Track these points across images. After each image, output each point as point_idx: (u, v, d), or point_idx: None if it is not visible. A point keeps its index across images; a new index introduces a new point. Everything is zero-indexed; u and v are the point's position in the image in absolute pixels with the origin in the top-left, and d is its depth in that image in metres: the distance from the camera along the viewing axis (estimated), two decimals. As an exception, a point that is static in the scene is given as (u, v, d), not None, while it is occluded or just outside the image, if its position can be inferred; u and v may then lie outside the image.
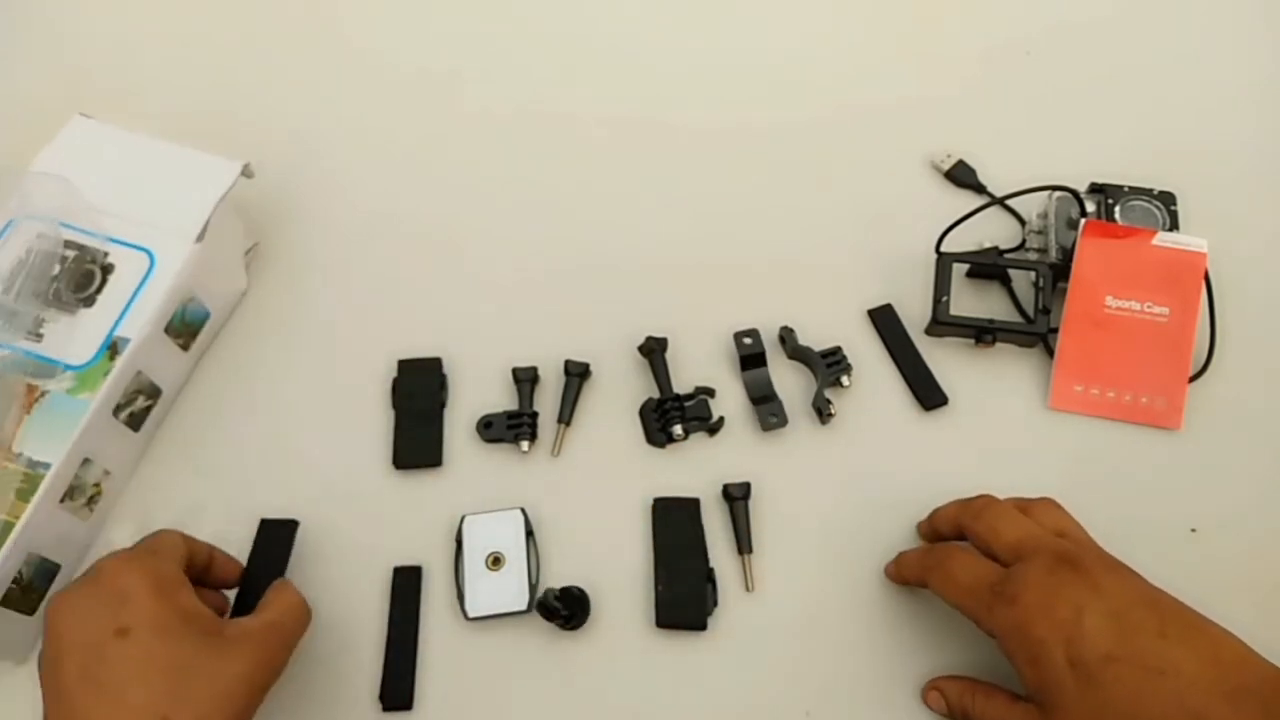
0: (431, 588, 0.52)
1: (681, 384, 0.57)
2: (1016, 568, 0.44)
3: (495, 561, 0.52)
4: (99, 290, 0.52)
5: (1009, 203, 0.62)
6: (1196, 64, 0.70)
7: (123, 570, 0.41)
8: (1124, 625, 0.41)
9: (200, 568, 0.46)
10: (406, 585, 0.52)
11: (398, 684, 0.49)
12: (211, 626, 0.41)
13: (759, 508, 0.54)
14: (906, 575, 0.50)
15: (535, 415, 0.56)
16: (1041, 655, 0.41)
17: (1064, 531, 0.47)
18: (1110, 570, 0.44)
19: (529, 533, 0.53)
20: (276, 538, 0.51)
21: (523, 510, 0.53)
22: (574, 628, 0.51)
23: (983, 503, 0.48)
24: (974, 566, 0.46)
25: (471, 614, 0.50)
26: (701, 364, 0.58)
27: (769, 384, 0.57)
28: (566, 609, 0.49)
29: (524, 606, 0.51)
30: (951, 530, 0.50)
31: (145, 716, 0.38)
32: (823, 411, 0.55)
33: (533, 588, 0.51)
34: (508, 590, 0.51)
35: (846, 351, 0.58)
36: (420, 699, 0.50)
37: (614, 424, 0.57)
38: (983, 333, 0.57)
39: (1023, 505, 0.48)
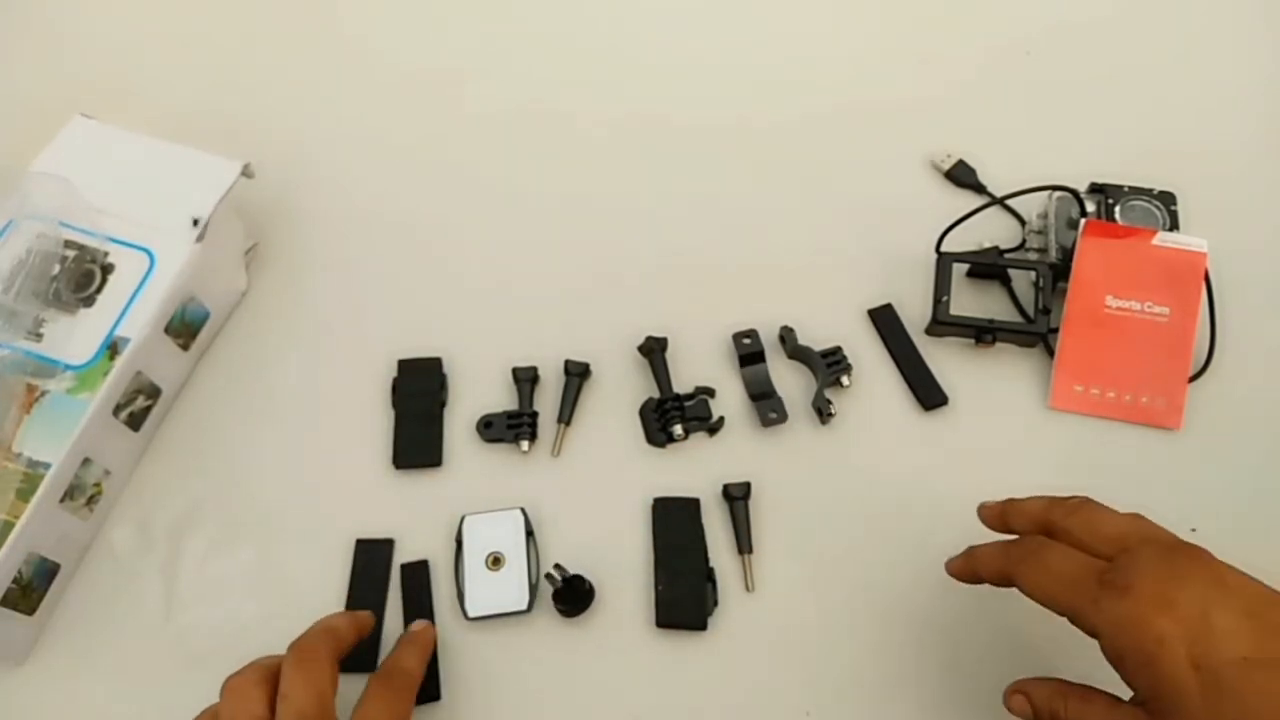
0: (433, 587, 0.52)
1: (681, 384, 0.57)
2: (1126, 555, 0.38)
3: (495, 562, 0.52)
4: (99, 290, 0.52)
5: (1009, 203, 0.62)
6: (1196, 64, 0.70)
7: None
8: (1264, 625, 0.35)
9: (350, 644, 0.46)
10: (416, 580, 0.52)
11: (425, 677, 0.49)
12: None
13: (759, 508, 0.54)
14: (982, 570, 0.44)
15: (535, 415, 0.56)
16: (1160, 654, 0.35)
17: (1168, 533, 0.41)
18: (1232, 568, 0.38)
19: (529, 533, 0.53)
20: (375, 558, 0.52)
21: (523, 510, 0.53)
22: (574, 613, 0.51)
23: (1080, 499, 0.43)
24: (1075, 556, 0.40)
25: (472, 614, 0.51)
26: (701, 364, 0.58)
27: (768, 380, 0.57)
28: (566, 602, 0.49)
29: (524, 606, 0.51)
30: (1034, 526, 0.44)
31: None
32: (823, 411, 0.56)
33: (533, 588, 0.51)
34: (508, 590, 0.51)
35: (846, 351, 0.58)
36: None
37: (614, 424, 0.57)
38: (983, 333, 0.57)
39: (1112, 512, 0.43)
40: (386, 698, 0.43)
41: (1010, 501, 0.46)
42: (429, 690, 0.49)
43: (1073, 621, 0.39)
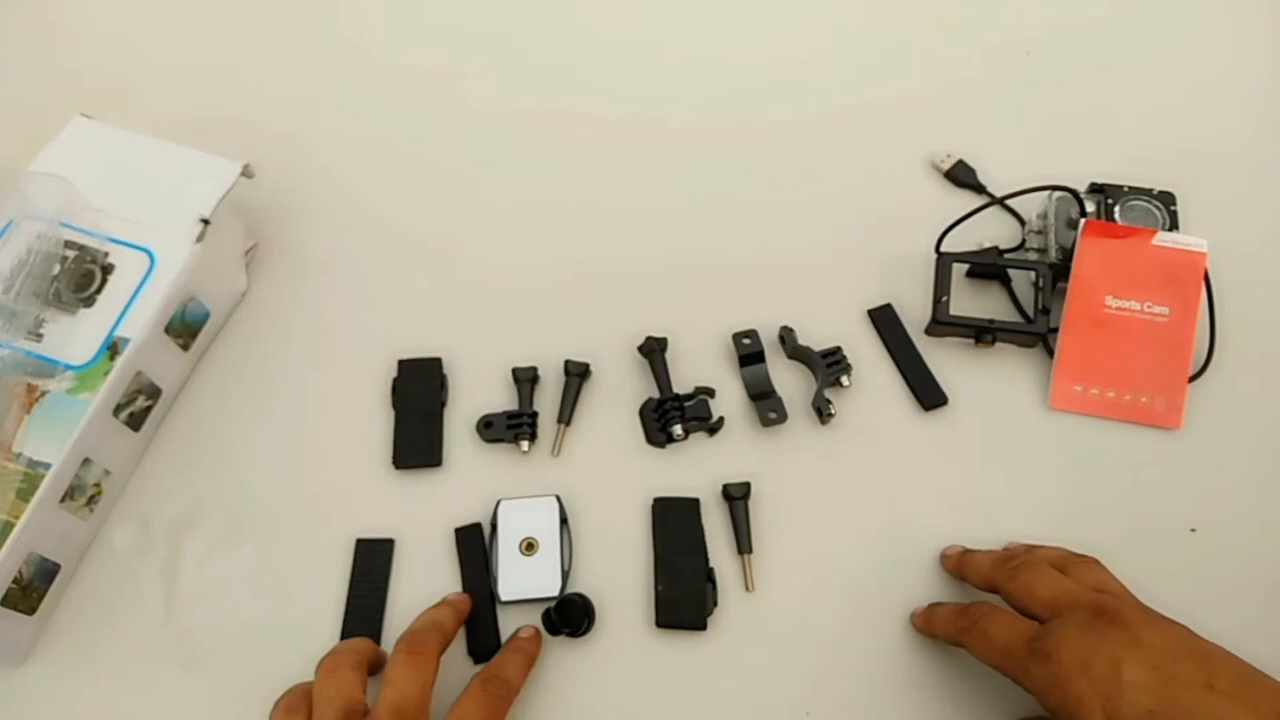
0: (436, 582, 0.52)
1: (681, 384, 0.57)
2: (1052, 623, 0.42)
3: (529, 547, 0.52)
4: (99, 290, 0.52)
5: (1009, 203, 0.62)
6: (1196, 64, 0.70)
7: None
8: (1167, 678, 0.39)
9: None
10: (472, 542, 0.53)
11: (484, 637, 0.51)
12: None
13: (759, 508, 0.54)
14: (939, 632, 0.49)
15: (535, 415, 0.56)
16: (1080, 713, 0.39)
17: (1103, 588, 0.45)
18: (1151, 623, 0.41)
19: (563, 520, 0.53)
20: (375, 558, 0.52)
21: (557, 498, 0.53)
22: (582, 635, 0.51)
23: (1019, 561, 0.47)
24: (1010, 625, 0.44)
25: (504, 597, 0.51)
26: (701, 364, 0.58)
27: (768, 380, 0.57)
28: (567, 624, 0.49)
29: (556, 592, 0.51)
30: (983, 584, 0.48)
31: None
32: (823, 411, 0.56)
33: (565, 574, 0.52)
34: (541, 576, 0.52)
35: (846, 351, 0.58)
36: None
37: (614, 424, 0.57)
38: (983, 333, 0.57)
39: (1061, 563, 0.46)
40: (483, 702, 0.45)
41: (966, 553, 0.51)
42: (490, 649, 0.50)
43: (1015, 682, 0.43)
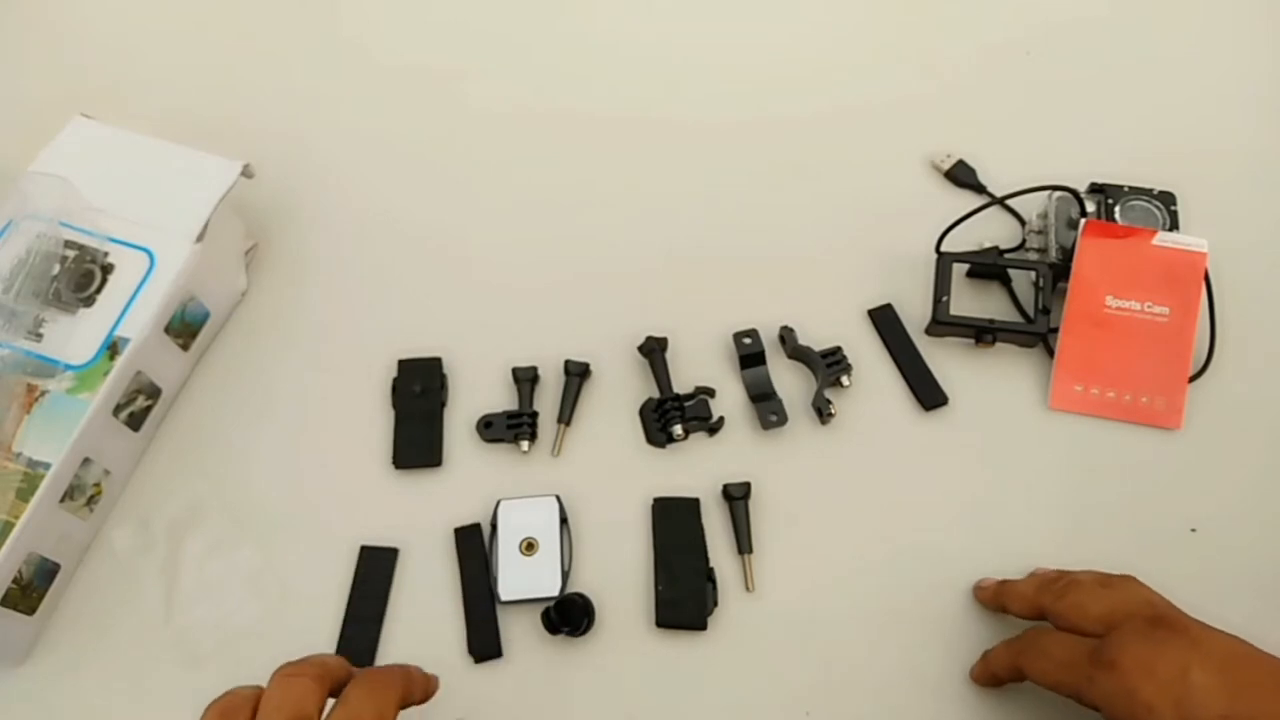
0: (435, 582, 0.52)
1: (681, 384, 0.57)
2: (1112, 634, 0.42)
3: (529, 547, 0.52)
4: (99, 290, 0.52)
5: (1009, 203, 0.62)
6: (1196, 64, 0.70)
7: None
8: (1238, 682, 0.39)
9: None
10: (471, 542, 0.53)
11: (484, 637, 0.51)
12: None
13: (759, 508, 0.54)
14: (998, 671, 0.48)
15: (535, 415, 0.56)
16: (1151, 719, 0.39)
17: (1149, 602, 0.44)
18: (1209, 630, 0.41)
19: (563, 520, 0.53)
20: (378, 566, 0.52)
21: (557, 497, 0.53)
22: (581, 634, 0.51)
23: (1065, 582, 0.46)
24: (1069, 641, 0.44)
25: (504, 597, 0.51)
26: (701, 364, 0.58)
27: (768, 382, 0.57)
28: (567, 623, 0.49)
29: (556, 592, 0.51)
30: (1028, 610, 0.48)
31: None
32: (823, 411, 0.55)
33: (565, 574, 0.52)
34: (541, 575, 0.52)
35: (846, 351, 0.58)
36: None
37: (614, 424, 0.57)
38: (983, 333, 0.57)
39: (1104, 580, 0.46)
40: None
41: (1004, 584, 0.50)
42: (488, 648, 0.50)
43: (1077, 700, 0.42)
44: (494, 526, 0.53)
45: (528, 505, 0.53)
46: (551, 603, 0.50)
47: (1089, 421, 0.57)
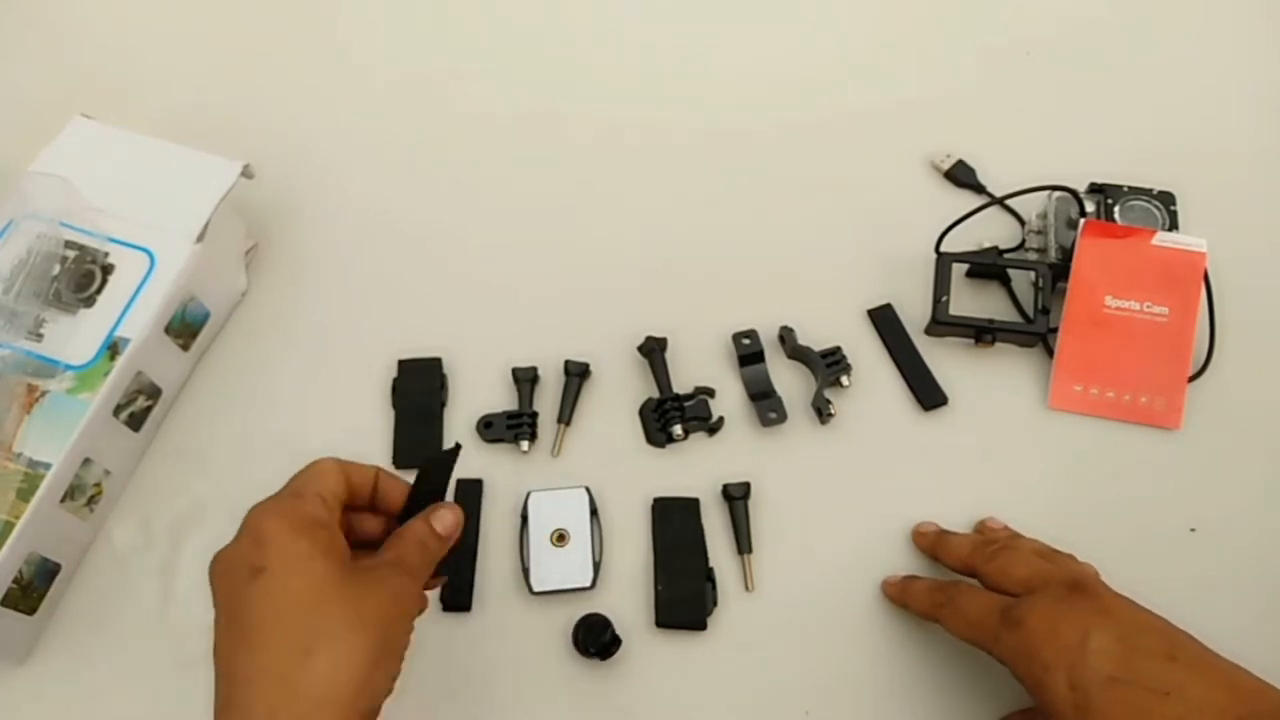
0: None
1: (681, 384, 0.57)
2: (1026, 596, 0.43)
3: (560, 538, 0.52)
4: (99, 290, 0.52)
5: (1009, 203, 0.62)
6: (1196, 64, 0.70)
7: (260, 515, 0.39)
8: (1131, 648, 0.40)
9: (365, 496, 0.43)
10: (470, 498, 0.54)
11: (457, 589, 0.51)
12: (348, 560, 0.39)
13: (759, 508, 0.54)
14: (913, 606, 0.50)
15: (535, 415, 0.56)
16: (1045, 679, 0.40)
17: (1076, 572, 0.45)
18: (1121, 599, 0.42)
19: (593, 511, 0.53)
20: (438, 470, 0.46)
21: (587, 489, 0.53)
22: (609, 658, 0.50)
23: (999, 546, 0.48)
24: (985, 599, 0.45)
25: (537, 588, 0.51)
26: (701, 364, 0.58)
27: (767, 380, 0.57)
28: (595, 646, 0.49)
29: (588, 583, 0.51)
30: (959, 566, 0.49)
31: (287, 652, 0.36)
32: (822, 411, 0.56)
33: (596, 565, 0.52)
34: (573, 566, 0.52)
35: (846, 351, 0.58)
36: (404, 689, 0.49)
37: (614, 424, 0.57)
38: (982, 332, 0.57)
39: (1041, 551, 0.47)
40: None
41: (942, 534, 0.52)
42: (459, 599, 0.51)
43: (987, 653, 0.44)
44: (524, 518, 0.53)
45: (557, 496, 0.53)
46: (584, 617, 0.50)
47: (1088, 421, 0.57)
